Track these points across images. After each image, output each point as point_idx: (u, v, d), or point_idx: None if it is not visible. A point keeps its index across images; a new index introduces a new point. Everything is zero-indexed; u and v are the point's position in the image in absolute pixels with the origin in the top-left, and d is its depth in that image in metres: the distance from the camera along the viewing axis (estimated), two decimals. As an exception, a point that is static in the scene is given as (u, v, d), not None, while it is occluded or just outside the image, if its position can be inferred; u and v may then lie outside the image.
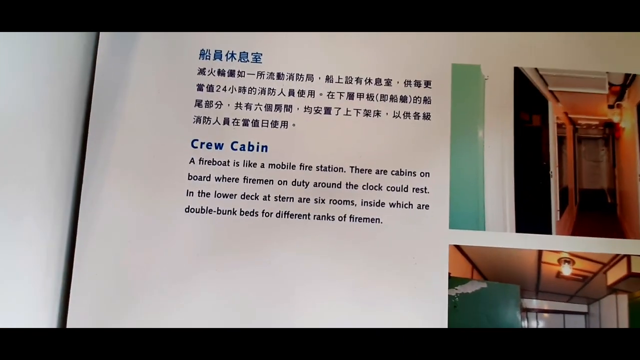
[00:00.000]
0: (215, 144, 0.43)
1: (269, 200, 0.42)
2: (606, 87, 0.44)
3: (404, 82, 0.44)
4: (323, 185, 0.43)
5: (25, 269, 0.37)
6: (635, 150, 0.44)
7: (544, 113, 0.44)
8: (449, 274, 0.41)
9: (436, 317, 0.41)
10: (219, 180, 0.43)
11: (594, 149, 0.44)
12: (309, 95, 0.44)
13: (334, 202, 0.42)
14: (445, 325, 0.40)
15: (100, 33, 0.43)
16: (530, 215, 0.42)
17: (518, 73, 0.44)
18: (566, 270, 0.42)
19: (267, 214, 0.42)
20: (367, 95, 0.44)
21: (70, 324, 0.40)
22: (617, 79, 0.44)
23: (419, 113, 0.44)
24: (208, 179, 0.43)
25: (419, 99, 0.44)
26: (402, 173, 0.43)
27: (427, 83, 0.44)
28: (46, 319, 0.39)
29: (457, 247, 0.42)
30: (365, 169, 0.43)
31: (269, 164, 0.43)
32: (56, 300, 0.40)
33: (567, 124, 0.44)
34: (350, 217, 0.42)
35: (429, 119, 0.44)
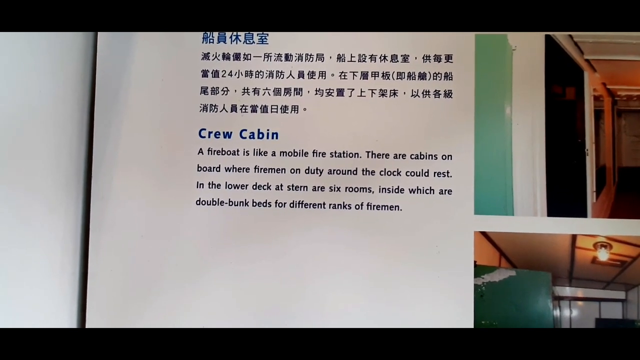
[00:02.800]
0: (224, 132, 0.40)
1: (281, 189, 0.40)
2: (652, 52, 0.39)
3: (423, 58, 0.40)
4: (338, 172, 0.40)
5: (40, 269, 0.36)
6: (684, 122, 0.39)
7: (579, 85, 0.39)
8: (475, 262, 0.38)
9: (461, 308, 0.38)
10: (229, 171, 0.40)
11: (636, 123, 0.39)
12: (320, 77, 0.40)
13: (350, 189, 0.39)
14: (471, 316, 0.38)
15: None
16: (564, 198, 0.38)
17: (550, 41, 0.39)
18: (603, 255, 0.38)
19: (280, 204, 0.40)
20: (383, 73, 0.40)
21: (89, 320, 0.39)
22: (665, 43, 0.39)
23: (439, 91, 0.40)
24: (218, 169, 0.40)
25: (440, 75, 0.40)
26: (422, 157, 0.39)
27: (448, 57, 0.40)
28: (65, 317, 0.39)
29: (483, 233, 0.39)
30: (383, 154, 0.39)
31: (281, 152, 0.40)
32: (74, 297, 0.39)
33: (606, 96, 0.40)
34: (368, 205, 0.39)
35: (450, 96, 0.39)
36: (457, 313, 0.38)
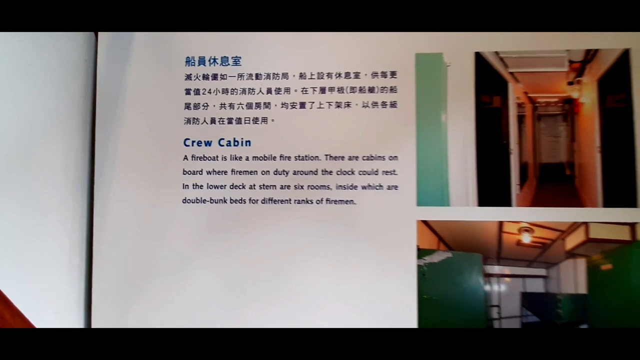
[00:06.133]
0: (205, 141, 0.47)
1: (254, 189, 0.46)
2: (566, 64, 0.45)
3: (371, 74, 0.46)
4: (301, 173, 0.46)
5: (53, 258, 0.43)
6: (594, 124, 0.45)
7: (504, 94, 0.45)
8: (418, 246, 0.45)
9: (407, 284, 0.44)
10: (210, 174, 0.47)
11: (553, 125, 0.45)
12: (285, 92, 0.47)
13: (312, 187, 0.46)
14: (414, 292, 0.44)
15: (99, 50, 0.47)
16: (492, 190, 0.44)
17: (479, 58, 0.45)
18: (526, 238, 0.44)
19: (253, 201, 0.46)
20: (338, 88, 0.46)
21: (94, 305, 0.46)
22: (577, 56, 0.45)
23: (386, 102, 0.46)
24: (200, 173, 0.47)
25: (386, 88, 0.46)
26: (372, 158, 0.46)
27: (393, 73, 0.46)
28: (73, 304, 0.45)
29: (425, 222, 0.45)
30: (339, 156, 0.46)
31: (253, 157, 0.47)
32: (81, 283, 0.46)
33: (527, 103, 0.46)
34: (327, 200, 0.46)
35: (395, 107, 0.46)
36: (404, 288, 0.44)
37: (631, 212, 0.43)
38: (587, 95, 0.45)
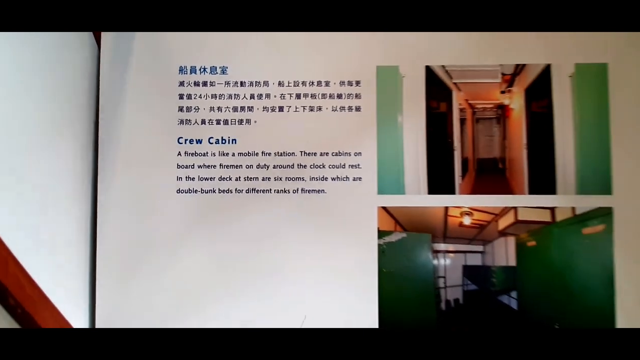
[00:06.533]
0: (196, 139, 0.54)
1: (239, 180, 0.54)
2: (499, 76, 0.54)
3: (339, 83, 0.54)
4: (280, 167, 0.54)
5: (63, 239, 0.49)
6: (521, 126, 0.54)
7: (449, 101, 0.54)
8: (378, 228, 0.53)
9: (370, 260, 0.53)
10: (201, 168, 0.54)
11: (489, 127, 0.54)
12: (266, 98, 0.54)
13: (289, 179, 0.53)
14: (375, 266, 0.53)
15: (101, 59, 0.54)
16: (439, 181, 0.53)
17: (429, 70, 0.54)
18: (466, 220, 0.53)
19: (239, 191, 0.54)
20: (311, 94, 0.54)
21: (98, 279, 0.52)
22: (509, 69, 0.54)
23: (351, 107, 0.54)
24: (192, 167, 0.54)
25: (352, 95, 0.54)
26: (340, 154, 0.54)
27: (357, 82, 0.54)
28: (80, 277, 0.52)
29: (384, 208, 0.53)
30: (312, 152, 0.54)
31: (238, 153, 0.54)
32: (87, 262, 0.53)
33: (467, 108, 0.55)
34: (302, 190, 0.53)
35: (359, 110, 0.54)
36: (367, 264, 0.52)
37: (551, 199, 0.53)
38: (516, 102, 0.54)
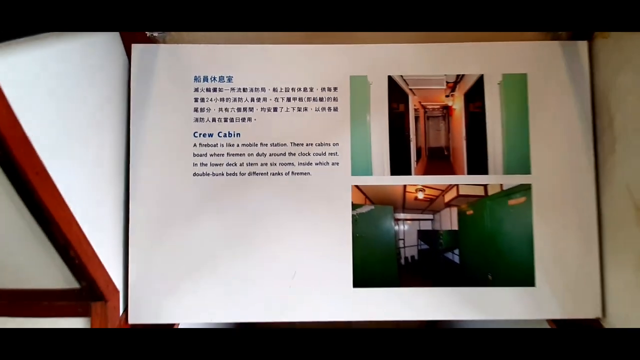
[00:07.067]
0: (208, 134, 0.68)
1: (242, 166, 0.68)
2: (444, 84, 0.69)
3: (321, 89, 0.69)
4: (275, 154, 0.68)
5: (104, 215, 0.63)
6: (461, 122, 0.69)
7: (406, 103, 0.69)
8: (352, 202, 0.68)
9: (345, 227, 0.67)
10: (212, 156, 0.68)
11: (437, 123, 0.70)
12: (263, 101, 0.69)
13: (282, 164, 0.68)
14: (350, 232, 0.67)
15: (131, 69, 0.68)
16: (399, 164, 0.68)
17: (390, 79, 0.69)
18: (420, 195, 0.68)
19: (242, 174, 0.68)
20: (299, 98, 0.69)
21: (131, 243, 0.66)
22: (451, 79, 0.69)
23: (331, 107, 0.69)
24: (205, 155, 0.68)
25: (331, 98, 0.69)
26: (322, 144, 0.68)
27: (335, 88, 0.69)
28: (118, 240, 0.65)
29: (357, 186, 0.68)
30: (299, 143, 0.68)
31: (242, 144, 0.68)
32: (122, 229, 0.67)
33: (420, 109, 0.70)
34: (292, 172, 0.68)
35: (337, 110, 0.69)
36: (343, 230, 0.67)
37: (484, 178, 0.68)
38: (457, 104, 0.69)
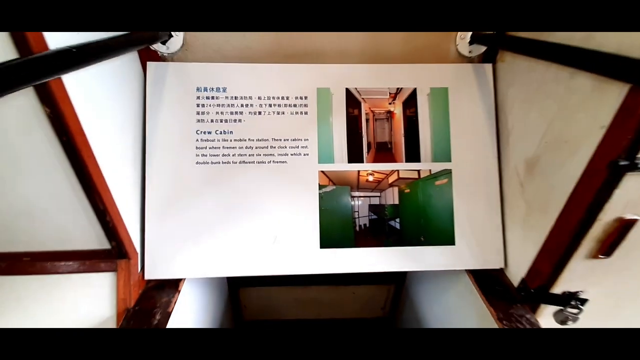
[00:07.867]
0: (207, 131, 0.88)
1: (234, 156, 0.88)
2: (388, 94, 0.92)
3: (295, 97, 0.90)
4: (259, 147, 0.88)
5: (127, 191, 0.81)
6: (401, 123, 0.92)
7: (359, 108, 0.91)
8: (319, 183, 0.89)
9: (314, 203, 0.88)
10: (211, 149, 0.87)
11: (382, 124, 0.92)
12: (250, 106, 0.89)
13: (265, 155, 0.88)
14: (317, 207, 0.88)
15: (147, 81, 0.87)
16: (354, 155, 0.90)
17: (347, 90, 0.91)
18: (370, 178, 0.90)
19: (234, 163, 0.87)
20: (278, 104, 0.90)
21: (147, 214, 0.84)
22: (393, 90, 0.92)
23: (302, 112, 0.90)
24: (205, 148, 0.87)
25: (302, 105, 0.90)
26: (295, 140, 0.89)
27: (305, 97, 0.90)
28: (137, 210, 0.84)
29: (322, 171, 0.89)
30: (278, 139, 0.88)
31: (234, 139, 0.88)
32: (139, 203, 0.85)
33: (370, 113, 0.92)
34: (273, 161, 0.88)
35: (307, 114, 0.90)
36: (312, 205, 0.87)
37: (418, 165, 0.90)
38: (398, 109, 0.92)
